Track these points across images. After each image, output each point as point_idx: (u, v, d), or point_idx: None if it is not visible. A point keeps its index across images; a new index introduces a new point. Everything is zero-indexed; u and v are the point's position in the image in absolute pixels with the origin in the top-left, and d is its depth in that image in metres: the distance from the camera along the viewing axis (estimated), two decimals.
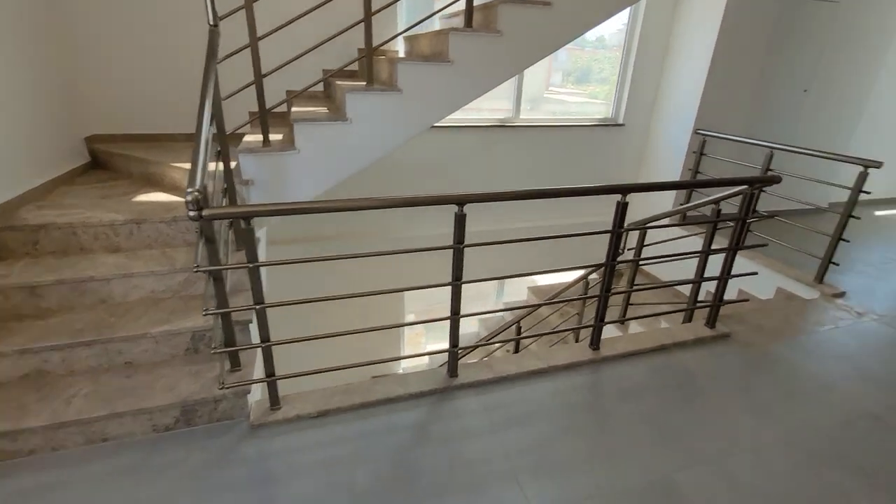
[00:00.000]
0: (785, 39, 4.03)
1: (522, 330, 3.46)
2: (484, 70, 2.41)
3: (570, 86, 4.78)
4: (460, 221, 1.71)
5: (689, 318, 2.63)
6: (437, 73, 2.33)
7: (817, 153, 3.11)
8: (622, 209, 1.95)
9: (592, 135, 4.44)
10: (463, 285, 1.84)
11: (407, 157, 3.96)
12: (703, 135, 3.92)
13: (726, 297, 2.85)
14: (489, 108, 4.21)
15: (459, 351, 1.98)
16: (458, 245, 1.74)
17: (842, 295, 2.98)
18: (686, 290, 3.76)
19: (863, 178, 2.82)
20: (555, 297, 3.29)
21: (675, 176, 4.27)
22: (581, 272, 3.41)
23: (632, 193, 1.96)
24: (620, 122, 4.43)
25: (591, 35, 4.50)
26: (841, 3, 4.08)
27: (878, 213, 4.96)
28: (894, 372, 2.26)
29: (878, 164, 2.76)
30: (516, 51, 2.44)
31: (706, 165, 4.01)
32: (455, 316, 1.86)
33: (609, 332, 3.49)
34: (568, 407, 1.89)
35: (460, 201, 1.69)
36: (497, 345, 4.16)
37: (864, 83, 4.48)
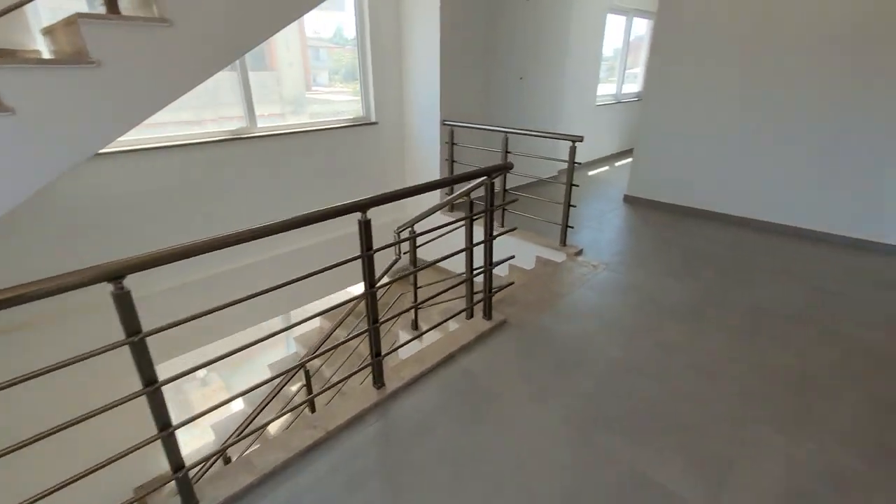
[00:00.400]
0: (497, 32, 4.48)
1: (313, 372, 3.00)
2: (155, 74, 1.79)
3: (338, 84, 4.43)
4: (123, 304, 1.14)
5: (471, 315, 2.61)
6: (72, 81, 1.60)
7: (539, 133, 3.49)
8: (365, 229, 1.67)
9: (348, 136, 4.17)
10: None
11: (94, 197, 2.93)
12: (449, 125, 4.07)
13: (501, 275, 2.97)
14: (215, 117, 3.47)
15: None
16: (132, 338, 1.17)
17: (580, 252, 3.47)
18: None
19: (573, 151, 3.27)
20: (339, 322, 2.93)
21: (435, 167, 4.37)
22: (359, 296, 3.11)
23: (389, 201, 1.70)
24: (373, 120, 4.27)
25: (349, 33, 4.20)
26: (530, 1, 4.73)
27: (590, 173, 6.17)
28: (622, 312, 2.66)
29: (580, 139, 3.22)
30: (203, 46, 1.88)
31: (459, 154, 4.20)
32: (164, 432, 1.29)
33: (414, 346, 3.30)
34: (353, 482, 1.55)
35: (115, 275, 1.11)
36: (300, 395, 3.59)
37: (559, 69, 5.39)
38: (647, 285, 2.98)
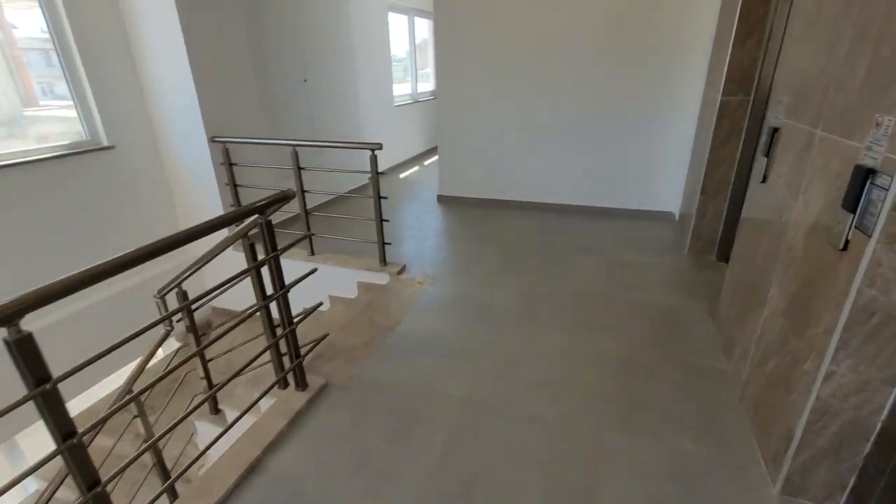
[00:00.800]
0: (264, 28, 3.81)
1: None
2: None
3: None
4: None
5: (285, 383, 2.03)
6: None
7: (331, 144, 3.03)
8: (22, 353, 0.96)
9: (68, 171, 3.00)
10: None
11: None
12: (221, 142, 3.28)
13: (324, 309, 2.42)
14: None
15: None
16: None
17: (404, 269, 3.15)
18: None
19: (374, 160, 2.91)
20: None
21: (214, 196, 3.51)
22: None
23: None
24: (105, 143, 3.17)
25: None
26: None
27: (402, 175, 5.99)
28: (457, 333, 2.42)
29: (379, 146, 2.87)
30: None
31: (245, 175, 3.45)
32: None
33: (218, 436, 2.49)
34: None
35: None
36: None
37: (349, 70, 4.99)
38: (477, 293, 2.83)
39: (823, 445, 1.36)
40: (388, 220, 3.07)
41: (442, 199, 4.69)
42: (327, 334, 2.17)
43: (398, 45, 6.71)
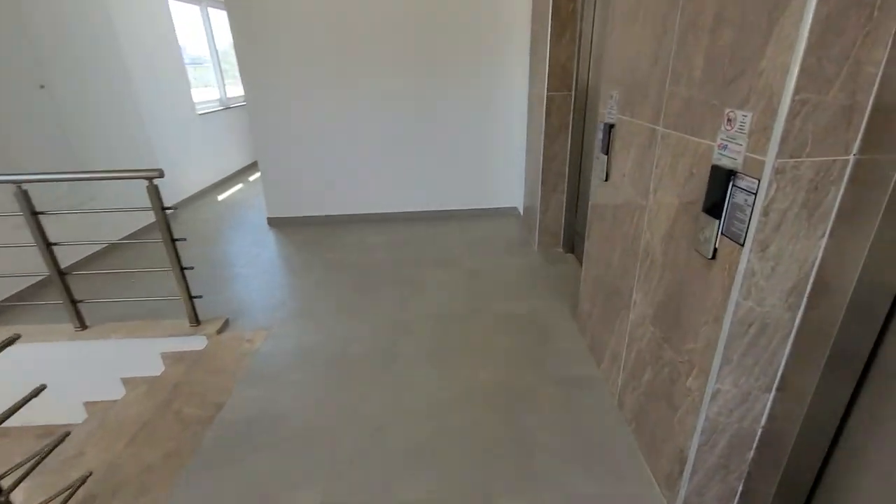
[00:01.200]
0: None
1: None
2: None
3: None
4: None
5: None
6: None
7: (75, 175, 2.16)
8: None
9: None
10: None
11: None
12: None
13: (115, 396, 1.65)
14: None
15: None
16: None
17: (226, 325, 2.46)
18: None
19: (154, 192, 2.15)
20: None
21: None
22: None
23: None
24: None
25: None
26: None
27: (221, 196, 4.99)
28: (306, 407, 1.90)
29: (159, 174, 2.12)
30: None
31: None
32: None
33: None
34: None
35: None
36: None
37: (119, 73, 3.85)
38: (326, 339, 2.33)
39: (715, 461, 1.27)
40: (192, 268, 2.33)
41: (273, 223, 3.98)
42: (89, 474, 1.42)
43: (199, 42, 5.61)
